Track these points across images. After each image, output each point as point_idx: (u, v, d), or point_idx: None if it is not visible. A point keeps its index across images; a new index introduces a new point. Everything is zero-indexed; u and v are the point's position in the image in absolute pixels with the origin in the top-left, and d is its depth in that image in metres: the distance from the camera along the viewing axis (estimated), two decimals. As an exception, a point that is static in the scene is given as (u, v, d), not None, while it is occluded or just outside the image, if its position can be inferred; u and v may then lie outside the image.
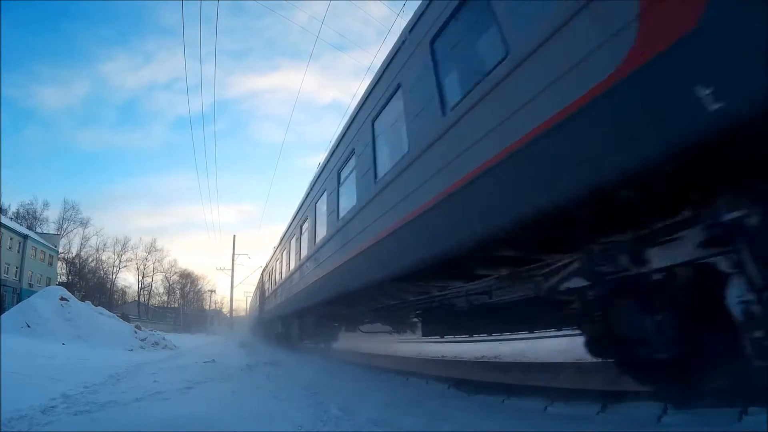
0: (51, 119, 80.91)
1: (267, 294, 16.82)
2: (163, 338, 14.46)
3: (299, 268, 9.56)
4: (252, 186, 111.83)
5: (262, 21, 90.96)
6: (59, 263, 48.82)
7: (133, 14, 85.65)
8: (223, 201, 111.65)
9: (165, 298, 64.74)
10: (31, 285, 38.25)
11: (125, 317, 20.69)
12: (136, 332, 13.38)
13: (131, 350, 11.50)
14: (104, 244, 54.81)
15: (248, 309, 39.01)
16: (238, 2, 78.79)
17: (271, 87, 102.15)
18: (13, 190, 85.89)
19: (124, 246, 57.04)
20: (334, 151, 7.00)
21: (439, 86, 3.77)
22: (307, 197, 9.12)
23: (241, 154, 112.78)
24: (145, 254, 59.63)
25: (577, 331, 3.62)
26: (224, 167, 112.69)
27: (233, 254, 35.92)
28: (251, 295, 32.58)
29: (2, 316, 11.44)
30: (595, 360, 3.31)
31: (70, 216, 51.28)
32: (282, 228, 13.58)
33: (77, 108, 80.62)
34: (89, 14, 79.53)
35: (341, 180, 6.53)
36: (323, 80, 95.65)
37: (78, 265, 51.15)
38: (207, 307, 68.18)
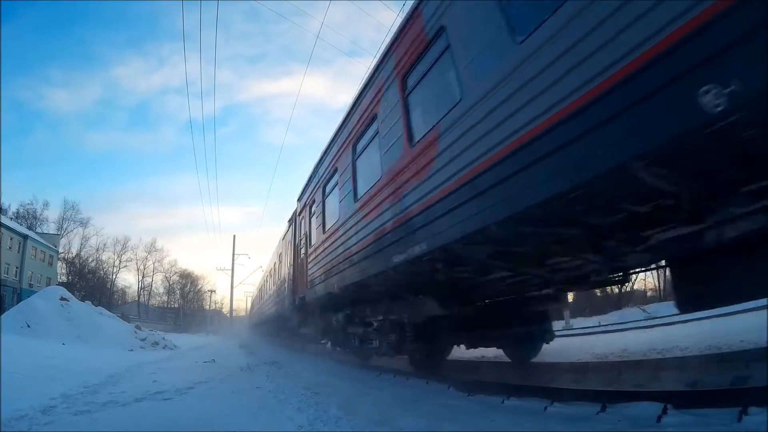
0: (61, 121, 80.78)
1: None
2: (163, 338, 14.47)
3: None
4: (258, 187, 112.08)
5: (277, 26, 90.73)
6: (59, 263, 48.82)
7: (148, 18, 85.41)
8: (230, 202, 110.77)
9: (165, 298, 64.82)
10: (31, 285, 38.22)
11: (125, 317, 20.74)
12: (136, 332, 13.39)
13: (131, 350, 11.50)
14: (104, 244, 54.89)
15: (248, 309, 38.96)
16: (254, 7, 78.66)
17: (283, 91, 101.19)
18: (19, 191, 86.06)
19: (124, 246, 57.11)
20: None
21: None
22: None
23: (253, 156, 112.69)
24: (145, 254, 59.72)
25: None
26: (234, 169, 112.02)
27: (233, 254, 35.91)
28: (251, 295, 32.53)
29: (2, 316, 11.43)
30: None
31: (70, 216, 51.33)
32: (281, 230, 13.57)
33: (88, 110, 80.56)
34: (104, 19, 79.17)
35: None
36: (336, 85, 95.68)
37: (78, 265, 51.14)
38: (207, 307, 68.20)
